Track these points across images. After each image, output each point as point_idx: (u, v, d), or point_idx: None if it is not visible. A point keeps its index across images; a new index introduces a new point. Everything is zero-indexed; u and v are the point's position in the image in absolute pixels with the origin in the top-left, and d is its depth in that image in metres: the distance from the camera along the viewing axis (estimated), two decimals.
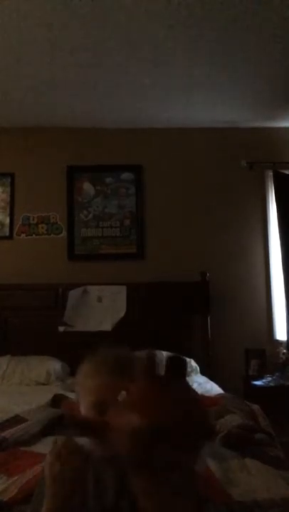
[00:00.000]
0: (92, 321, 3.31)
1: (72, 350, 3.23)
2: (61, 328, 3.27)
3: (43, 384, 2.85)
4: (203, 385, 2.76)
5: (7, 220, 3.54)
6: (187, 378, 0.89)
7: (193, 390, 0.75)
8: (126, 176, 3.62)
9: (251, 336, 3.45)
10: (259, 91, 3.07)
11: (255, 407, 1.99)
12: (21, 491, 1.24)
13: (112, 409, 0.69)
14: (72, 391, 2.64)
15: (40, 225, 3.54)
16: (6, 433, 1.70)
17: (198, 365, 3.12)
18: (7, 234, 3.52)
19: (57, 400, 2.17)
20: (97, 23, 2.28)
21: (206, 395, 2.37)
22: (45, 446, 1.65)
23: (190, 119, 3.54)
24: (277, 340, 3.46)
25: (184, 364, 0.73)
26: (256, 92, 3.09)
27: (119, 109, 3.33)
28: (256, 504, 1.12)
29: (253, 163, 3.58)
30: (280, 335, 3.46)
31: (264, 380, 3.16)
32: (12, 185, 3.57)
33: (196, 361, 3.13)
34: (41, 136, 3.62)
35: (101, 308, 3.35)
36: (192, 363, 3.09)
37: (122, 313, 3.32)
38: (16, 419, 1.92)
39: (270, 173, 3.60)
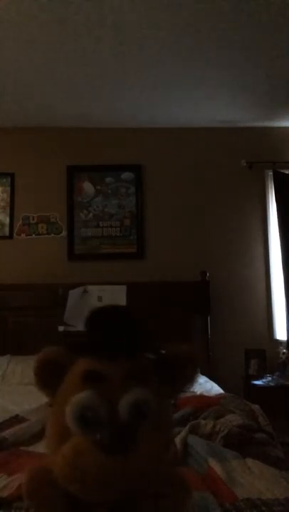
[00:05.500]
0: None
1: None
2: (61, 328, 3.27)
3: None
4: (203, 385, 2.75)
5: (7, 220, 3.54)
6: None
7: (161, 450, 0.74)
8: (126, 175, 3.62)
9: (251, 336, 3.45)
10: (259, 91, 3.07)
11: (255, 407, 1.98)
12: (20, 487, 1.24)
13: None
14: None
15: (40, 225, 3.55)
16: (6, 433, 1.70)
17: (198, 365, 3.11)
18: (7, 234, 3.52)
19: None
20: (96, 23, 2.28)
21: (206, 394, 2.37)
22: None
23: (190, 119, 3.54)
24: (277, 340, 3.46)
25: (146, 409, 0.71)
26: (256, 92, 3.09)
27: (119, 109, 3.33)
28: (262, 502, 1.12)
29: (253, 163, 3.58)
30: (280, 335, 3.46)
31: (264, 380, 3.16)
32: (12, 185, 3.58)
33: None
34: (41, 136, 3.62)
35: None
36: None
37: None
38: (16, 419, 1.92)
39: (270, 173, 3.61)
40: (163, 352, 0.86)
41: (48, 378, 0.84)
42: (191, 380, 0.86)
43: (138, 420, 0.71)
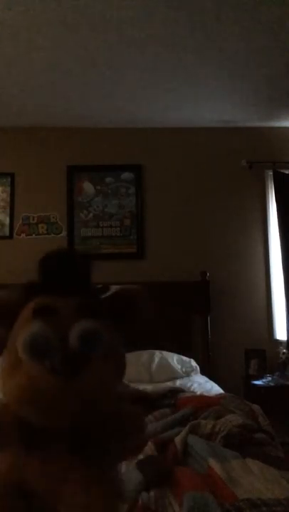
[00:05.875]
0: None
1: None
2: None
3: None
4: (203, 385, 2.75)
5: (7, 220, 3.54)
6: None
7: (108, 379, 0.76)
8: (126, 175, 3.62)
9: (251, 336, 3.45)
10: (259, 91, 3.07)
11: (255, 407, 1.98)
12: None
13: None
14: None
15: (40, 225, 3.55)
16: None
17: (198, 365, 3.12)
18: (7, 234, 3.52)
19: None
20: (97, 23, 2.28)
21: (206, 394, 2.37)
22: None
23: (190, 119, 3.54)
24: (277, 340, 3.46)
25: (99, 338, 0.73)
26: (256, 92, 3.09)
27: (119, 109, 3.33)
28: (262, 502, 1.12)
29: (253, 163, 3.58)
30: (280, 335, 3.46)
31: (264, 380, 3.17)
32: (12, 185, 3.58)
33: (196, 361, 3.13)
34: (41, 136, 3.62)
35: None
36: (192, 363, 3.09)
37: None
38: None
39: (270, 173, 3.61)
40: (112, 290, 0.90)
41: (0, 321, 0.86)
42: (138, 314, 0.89)
43: (88, 348, 0.73)
